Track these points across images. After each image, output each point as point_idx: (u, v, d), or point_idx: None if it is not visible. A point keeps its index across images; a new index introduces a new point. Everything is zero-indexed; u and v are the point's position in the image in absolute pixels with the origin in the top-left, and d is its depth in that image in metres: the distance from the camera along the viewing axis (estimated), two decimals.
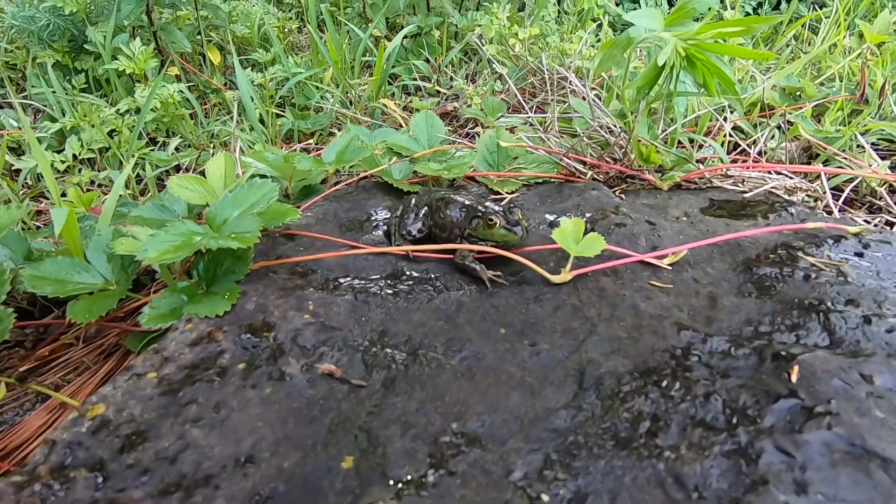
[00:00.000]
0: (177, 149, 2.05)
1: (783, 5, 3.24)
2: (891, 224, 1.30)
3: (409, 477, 0.60)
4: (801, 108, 1.74)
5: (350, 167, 1.64)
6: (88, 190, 1.84)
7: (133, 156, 1.86)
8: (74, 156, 1.87)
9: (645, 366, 0.73)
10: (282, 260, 1.02)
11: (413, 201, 1.17)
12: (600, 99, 1.72)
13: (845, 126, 1.66)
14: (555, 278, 0.95)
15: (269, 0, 3.55)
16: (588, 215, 1.17)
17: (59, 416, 0.95)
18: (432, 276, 0.99)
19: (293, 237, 1.14)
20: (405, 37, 2.54)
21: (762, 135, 1.53)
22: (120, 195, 1.72)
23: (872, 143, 1.58)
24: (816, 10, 2.81)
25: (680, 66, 1.26)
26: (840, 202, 1.33)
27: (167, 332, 0.86)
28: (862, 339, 0.75)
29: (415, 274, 1.00)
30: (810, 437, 0.57)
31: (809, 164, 1.56)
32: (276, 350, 0.80)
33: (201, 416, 0.68)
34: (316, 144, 2.13)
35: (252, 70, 2.50)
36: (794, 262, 0.97)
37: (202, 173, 1.25)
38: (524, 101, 2.15)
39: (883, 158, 1.54)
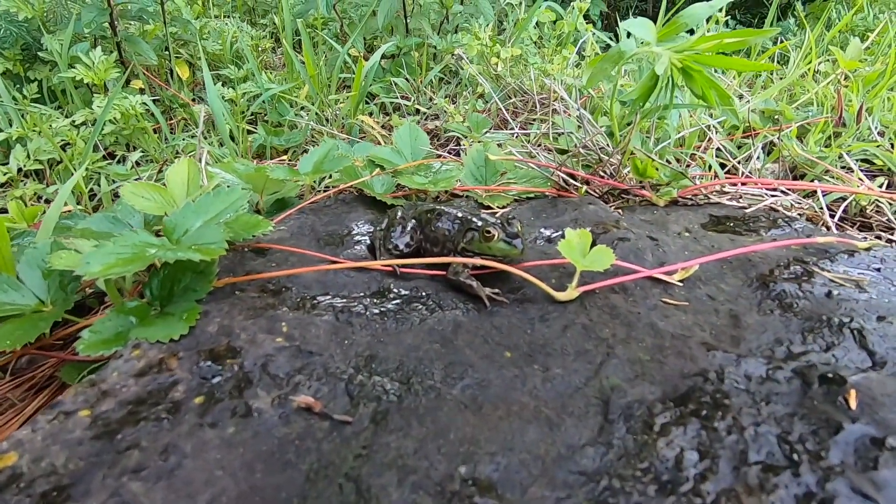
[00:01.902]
0: (137, 163, 1.90)
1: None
2: (890, 241, 1.27)
3: None
4: (780, 130, 1.74)
5: (328, 181, 1.53)
6: (34, 204, 1.67)
7: (86, 167, 1.70)
8: (19, 168, 1.70)
9: (676, 392, 0.64)
10: (251, 276, 0.89)
11: (399, 214, 1.06)
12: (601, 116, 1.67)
13: (828, 148, 1.66)
14: (560, 295, 0.85)
15: (242, 19, 3.48)
16: (588, 230, 1.09)
17: None
18: (423, 293, 0.88)
19: (264, 252, 1.02)
20: (384, 57, 2.49)
21: (754, 152, 1.51)
22: (69, 209, 1.57)
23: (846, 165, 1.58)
24: (783, 41, 2.91)
25: (676, 79, 1.22)
26: (835, 219, 1.30)
27: (109, 361, 0.72)
28: None
29: (403, 292, 0.88)
30: (889, 476, 0.48)
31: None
32: (241, 380, 0.67)
33: (144, 464, 0.54)
34: (290, 161, 2.02)
35: (223, 86, 2.39)
36: (811, 277, 0.91)
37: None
38: (512, 119, 2.10)
39: (871, 178, 1.53)
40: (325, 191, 1.57)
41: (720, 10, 2.01)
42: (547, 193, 1.34)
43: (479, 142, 1.57)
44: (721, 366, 0.68)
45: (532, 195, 1.34)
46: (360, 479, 0.54)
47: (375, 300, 0.85)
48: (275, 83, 2.41)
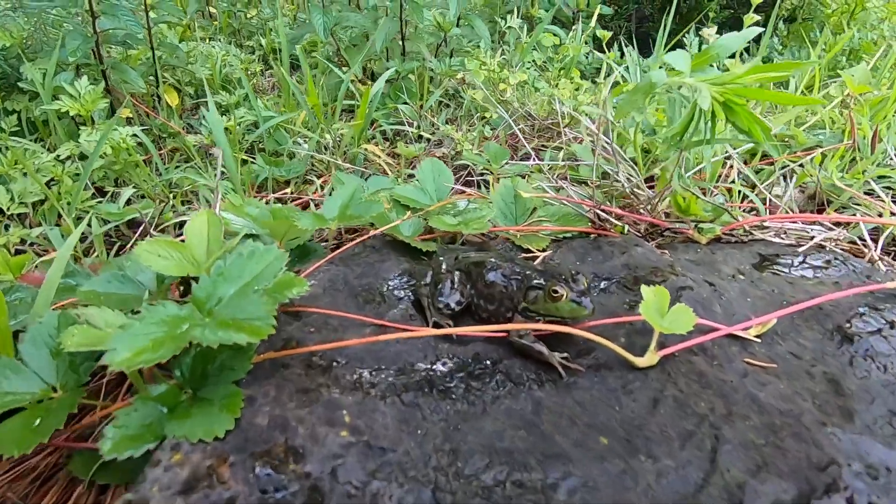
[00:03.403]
0: (129, 201, 1.77)
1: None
2: None
3: None
4: (797, 156, 1.72)
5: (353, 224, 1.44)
6: (18, 252, 1.52)
7: (82, 210, 1.57)
8: (1, 211, 1.55)
9: (814, 489, 0.56)
10: (293, 350, 0.79)
11: (444, 266, 0.98)
12: (623, 144, 1.62)
13: (846, 173, 1.65)
14: (640, 361, 0.78)
15: (230, 42, 3.37)
16: (643, 275, 1.03)
17: None
18: (486, 361, 0.80)
19: (298, 315, 0.92)
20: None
21: (785, 182, 1.48)
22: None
23: (871, 191, 1.57)
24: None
25: (718, 114, 1.18)
26: (878, 252, 1.27)
27: (144, 468, 0.61)
28: None
29: (465, 359, 0.80)
30: None
31: (820, 212, 1.52)
32: (311, 492, 0.57)
33: None
34: (292, 193, 1.91)
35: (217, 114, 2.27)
36: (893, 328, 0.86)
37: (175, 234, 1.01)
38: (522, 146, 2.04)
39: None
40: (340, 233, 1.47)
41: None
42: (586, 232, 1.27)
43: (505, 176, 1.50)
44: (853, 451, 0.61)
45: (569, 234, 1.27)
46: None
47: (438, 374, 0.76)
48: (270, 109, 2.31)
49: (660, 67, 1.62)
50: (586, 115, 1.70)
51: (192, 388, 0.75)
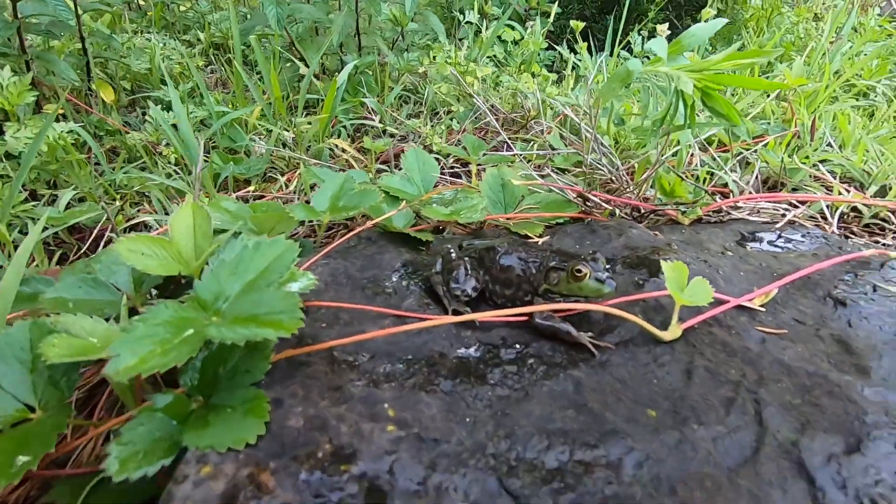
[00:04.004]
0: (68, 205, 1.60)
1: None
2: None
3: None
4: (748, 144, 1.83)
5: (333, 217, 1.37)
6: None
7: (13, 216, 1.39)
8: None
9: (858, 439, 0.59)
10: (311, 347, 0.73)
11: (454, 254, 0.95)
12: (603, 136, 1.66)
13: (790, 157, 1.78)
14: (666, 335, 0.79)
15: (167, 35, 3.14)
16: (644, 254, 1.05)
17: None
18: (515, 345, 0.77)
19: (304, 310, 0.85)
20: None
21: (738, 164, 1.57)
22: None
23: (815, 175, 1.70)
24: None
25: (697, 100, 1.23)
26: (835, 227, 1.37)
27: (168, 487, 0.53)
28: None
29: (492, 345, 0.77)
30: None
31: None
32: (368, 492, 0.52)
33: None
34: (255, 191, 1.81)
35: (160, 108, 2.11)
36: (875, 291, 0.92)
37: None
38: (489, 139, 2.05)
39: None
40: (329, 227, 1.40)
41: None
42: (576, 217, 1.28)
43: (487, 166, 1.49)
44: (875, 402, 0.64)
45: (561, 220, 1.27)
46: None
47: (471, 361, 0.73)
48: (221, 104, 2.17)
49: (636, 57, 1.67)
50: (562, 105, 1.72)
51: (202, 395, 0.67)
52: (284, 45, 2.67)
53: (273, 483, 0.52)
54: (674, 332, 0.79)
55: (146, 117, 1.99)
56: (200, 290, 0.72)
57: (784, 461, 0.57)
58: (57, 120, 1.88)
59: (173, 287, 0.93)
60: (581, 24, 1.86)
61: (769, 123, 2.09)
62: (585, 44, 2.08)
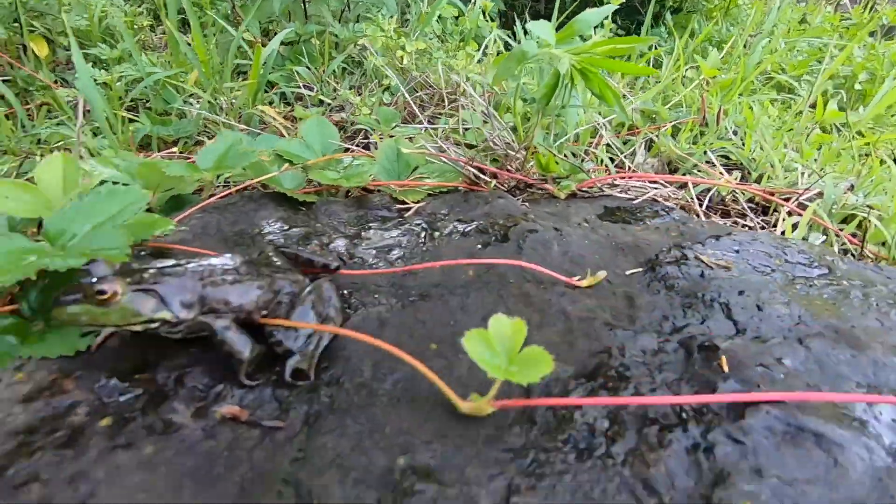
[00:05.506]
0: None
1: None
2: (746, 225, 1.50)
3: None
4: (658, 128, 1.95)
5: (229, 177, 1.44)
6: None
7: None
8: None
9: (586, 369, 0.71)
10: None
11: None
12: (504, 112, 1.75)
13: (695, 144, 1.91)
14: (464, 406, 0.62)
15: None
16: (500, 222, 1.16)
17: None
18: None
19: (166, 254, 0.94)
20: (283, 44, 2.37)
21: (638, 148, 1.69)
22: None
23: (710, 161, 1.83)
24: (657, 47, 3.24)
25: (575, 80, 1.32)
26: (703, 208, 1.50)
27: None
28: (760, 325, 0.82)
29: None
30: (754, 423, 0.59)
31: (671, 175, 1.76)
32: (154, 395, 0.62)
33: (49, 498, 0.48)
34: (181, 153, 1.86)
35: (95, 67, 2.13)
36: (687, 259, 1.05)
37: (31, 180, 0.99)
38: (414, 114, 2.12)
39: (728, 171, 1.79)
40: (224, 186, 1.47)
41: (607, 16, 2.19)
42: (459, 187, 1.39)
43: (389, 136, 1.57)
44: (622, 343, 0.76)
45: (445, 189, 1.37)
46: (301, 482, 0.53)
47: None
48: (157, 66, 2.20)
49: (525, 35, 1.75)
50: (471, 82, 1.80)
51: (42, 320, 0.76)
52: (230, 10, 2.68)
53: (71, 385, 0.62)
54: (480, 408, 0.62)
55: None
56: (49, 227, 0.80)
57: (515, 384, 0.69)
58: None
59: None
60: (489, 5, 1.93)
61: (683, 111, 2.21)
62: (495, 23, 2.15)
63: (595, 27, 2.39)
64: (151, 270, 0.64)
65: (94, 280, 0.59)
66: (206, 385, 0.65)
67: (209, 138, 1.94)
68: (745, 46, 2.65)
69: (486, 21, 2.57)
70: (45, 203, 0.90)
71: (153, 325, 0.62)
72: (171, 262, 0.69)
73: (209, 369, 0.66)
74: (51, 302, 0.77)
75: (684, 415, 0.61)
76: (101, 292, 0.58)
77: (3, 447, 0.53)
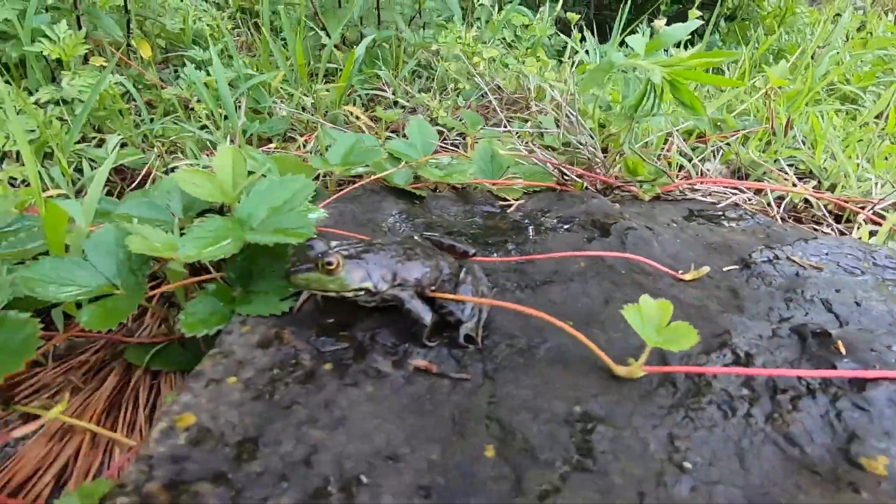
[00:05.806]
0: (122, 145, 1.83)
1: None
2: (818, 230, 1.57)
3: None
4: (726, 137, 2.02)
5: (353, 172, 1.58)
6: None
7: (73, 153, 1.63)
8: None
9: (712, 347, 0.81)
10: None
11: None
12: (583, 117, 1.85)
13: (764, 153, 1.97)
14: (621, 371, 0.74)
15: None
16: (600, 220, 1.26)
17: (64, 445, 0.80)
18: None
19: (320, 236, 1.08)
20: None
21: (712, 156, 1.77)
22: (61, 192, 1.50)
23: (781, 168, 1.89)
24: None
25: (665, 90, 1.42)
26: (780, 213, 1.58)
27: (221, 336, 0.77)
28: (861, 319, 0.90)
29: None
30: (876, 394, 0.68)
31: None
32: (357, 349, 0.76)
33: (314, 416, 0.62)
34: (276, 148, 2.03)
35: (194, 68, 2.32)
36: (779, 259, 1.14)
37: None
38: (491, 116, 2.24)
39: (799, 179, 1.85)
40: (340, 185, 1.62)
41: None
42: (551, 188, 1.50)
43: (478, 138, 1.70)
44: (737, 326, 0.86)
45: (538, 189, 1.49)
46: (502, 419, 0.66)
47: None
48: (248, 68, 2.38)
49: (618, 50, 1.85)
50: (553, 89, 1.91)
51: (241, 286, 0.91)
52: (309, 14, 2.85)
53: (291, 338, 0.76)
54: (633, 371, 0.73)
55: (179, 74, 2.20)
56: (239, 211, 0.95)
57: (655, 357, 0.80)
58: (102, 70, 2.10)
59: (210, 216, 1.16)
60: (576, 17, 2.04)
61: (749, 120, 2.27)
62: (579, 34, 2.25)
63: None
64: (356, 248, 0.78)
65: (321, 254, 0.72)
66: (394, 343, 0.78)
67: (299, 135, 2.10)
68: (812, 57, 2.68)
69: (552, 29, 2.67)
70: (221, 189, 1.05)
71: (360, 294, 0.75)
72: (355, 241, 0.83)
73: (394, 331, 0.79)
74: (247, 272, 0.92)
75: (811, 386, 0.71)
76: (329, 263, 0.72)
77: (261, 379, 0.67)
